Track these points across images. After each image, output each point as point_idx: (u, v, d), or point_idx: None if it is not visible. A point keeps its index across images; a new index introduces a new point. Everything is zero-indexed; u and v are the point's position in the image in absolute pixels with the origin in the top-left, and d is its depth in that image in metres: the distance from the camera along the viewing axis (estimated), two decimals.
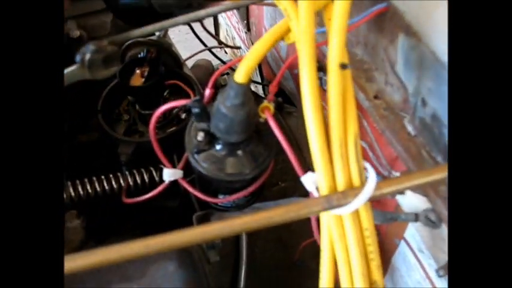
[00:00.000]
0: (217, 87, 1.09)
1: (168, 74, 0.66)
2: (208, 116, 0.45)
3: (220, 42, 1.10)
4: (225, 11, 0.52)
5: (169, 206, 0.67)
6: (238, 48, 1.12)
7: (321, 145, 0.39)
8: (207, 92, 0.48)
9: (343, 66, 0.40)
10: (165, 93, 0.68)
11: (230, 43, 1.31)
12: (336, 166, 0.39)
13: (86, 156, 0.69)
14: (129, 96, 0.67)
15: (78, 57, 0.46)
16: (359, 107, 0.54)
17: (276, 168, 0.63)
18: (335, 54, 0.40)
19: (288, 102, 0.87)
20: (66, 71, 0.47)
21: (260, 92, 1.17)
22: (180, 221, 0.65)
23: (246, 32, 1.05)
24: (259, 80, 1.09)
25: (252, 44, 1.04)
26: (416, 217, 0.47)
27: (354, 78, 0.53)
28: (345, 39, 0.41)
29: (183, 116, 0.65)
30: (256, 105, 0.46)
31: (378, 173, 0.56)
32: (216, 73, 0.49)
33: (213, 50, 1.15)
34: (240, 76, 0.41)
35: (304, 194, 0.81)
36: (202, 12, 0.51)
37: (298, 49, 0.39)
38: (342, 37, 0.40)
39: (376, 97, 0.52)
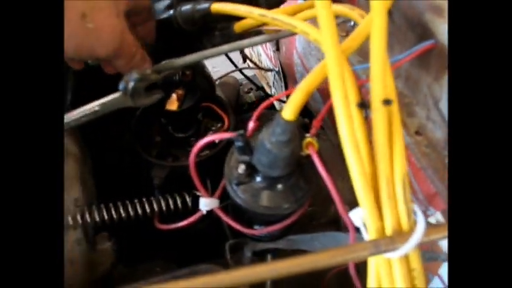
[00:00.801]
0: (242, 105, 1.09)
1: (202, 96, 0.65)
2: (251, 149, 0.44)
3: (244, 60, 1.10)
4: (266, 41, 0.52)
5: (200, 229, 0.66)
6: (270, 70, 1.12)
7: (364, 186, 0.38)
8: (251, 125, 0.47)
9: (386, 102, 0.39)
10: (198, 116, 0.68)
11: (255, 59, 1.31)
12: (383, 207, 0.38)
13: (117, 175, 0.69)
14: (163, 119, 0.67)
15: (121, 85, 0.46)
16: None
17: None
18: (376, 90, 0.39)
19: None
20: (108, 98, 0.47)
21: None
22: (211, 245, 0.65)
23: (274, 51, 1.05)
24: (286, 99, 1.08)
25: (280, 63, 1.04)
26: None
27: None
28: (387, 74, 0.41)
29: (217, 140, 0.65)
30: (300, 137, 0.45)
31: None
32: (260, 107, 0.49)
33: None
34: (288, 113, 0.40)
35: (333, 218, 0.80)
36: (244, 42, 0.51)
37: (331, 86, 0.39)
38: (382, 72, 0.40)
39: (417, 133, 0.51)
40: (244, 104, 1.15)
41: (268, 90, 1.24)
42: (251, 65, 1.17)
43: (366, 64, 0.44)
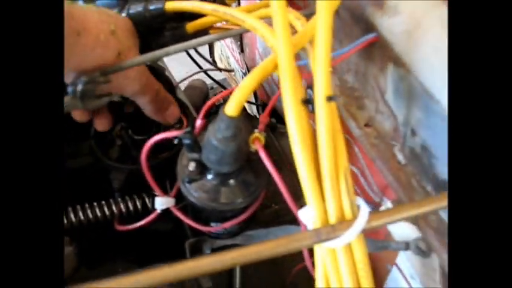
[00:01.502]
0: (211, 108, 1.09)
1: None
2: (199, 147, 0.45)
3: (213, 64, 1.11)
4: (215, 40, 0.53)
5: (161, 230, 0.67)
6: (232, 71, 1.13)
7: (311, 179, 0.39)
8: (198, 122, 0.48)
9: (330, 99, 0.40)
10: None
11: (224, 62, 1.32)
12: (327, 200, 0.39)
13: (78, 181, 0.68)
14: (123, 123, 0.67)
15: (69, 89, 0.47)
16: (350, 134, 0.54)
17: (269, 190, 0.64)
18: (322, 87, 0.40)
19: (281, 122, 0.87)
20: None
21: (254, 111, 1.17)
22: (172, 245, 0.66)
23: (239, 53, 1.06)
24: (253, 100, 1.09)
25: (246, 65, 1.05)
26: (407, 246, 0.47)
27: (345, 106, 0.54)
28: (329, 71, 0.42)
29: (175, 141, 0.65)
30: (248, 133, 0.46)
31: (369, 200, 0.56)
32: (207, 104, 0.49)
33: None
34: (231, 109, 0.41)
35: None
36: (194, 42, 0.51)
37: (280, 84, 0.40)
38: (327, 69, 0.40)
39: (366, 125, 0.52)
40: (213, 107, 1.15)
41: None
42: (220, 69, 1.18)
43: (303, 60, 0.45)
